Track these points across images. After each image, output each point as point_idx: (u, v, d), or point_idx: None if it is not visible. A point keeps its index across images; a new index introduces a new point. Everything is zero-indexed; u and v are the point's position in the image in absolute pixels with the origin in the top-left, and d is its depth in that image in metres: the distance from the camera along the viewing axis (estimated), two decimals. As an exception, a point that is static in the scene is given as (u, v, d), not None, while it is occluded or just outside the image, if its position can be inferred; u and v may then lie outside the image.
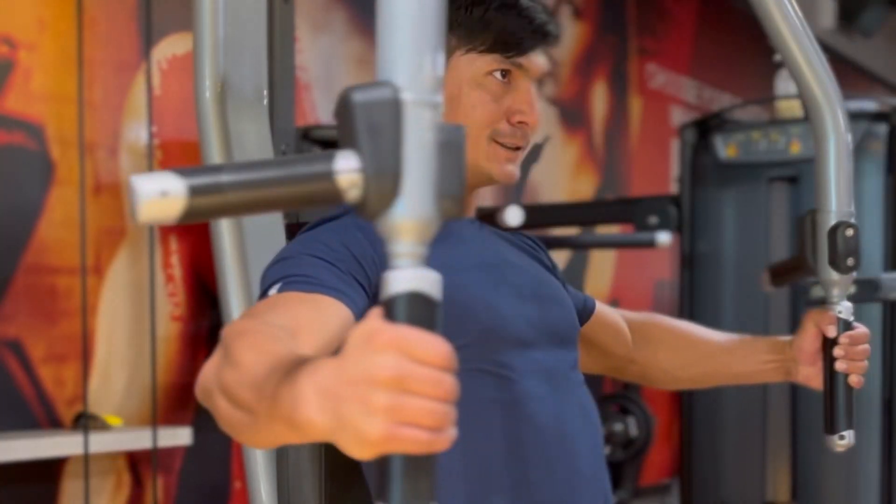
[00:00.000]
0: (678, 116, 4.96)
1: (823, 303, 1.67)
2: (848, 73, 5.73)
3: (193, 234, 2.79)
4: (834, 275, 1.65)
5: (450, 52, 1.45)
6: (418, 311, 0.85)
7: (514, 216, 2.93)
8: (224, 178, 0.85)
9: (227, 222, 1.77)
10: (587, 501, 1.45)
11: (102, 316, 2.59)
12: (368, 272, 1.36)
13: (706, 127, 3.53)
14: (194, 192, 0.84)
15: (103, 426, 2.48)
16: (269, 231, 1.82)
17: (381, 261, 1.36)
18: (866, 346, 1.63)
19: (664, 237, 3.28)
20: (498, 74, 1.45)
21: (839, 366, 1.61)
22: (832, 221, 1.65)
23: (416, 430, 0.82)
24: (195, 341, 2.81)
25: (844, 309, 1.64)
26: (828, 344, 1.63)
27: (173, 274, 2.76)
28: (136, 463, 2.65)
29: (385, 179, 0.85)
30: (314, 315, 1.25)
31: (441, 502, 1.38)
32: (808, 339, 1.65)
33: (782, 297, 3.31)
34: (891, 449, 3.22)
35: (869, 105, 3.37)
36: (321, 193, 0.87)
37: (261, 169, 0.88)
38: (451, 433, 0.83)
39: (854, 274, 1.66)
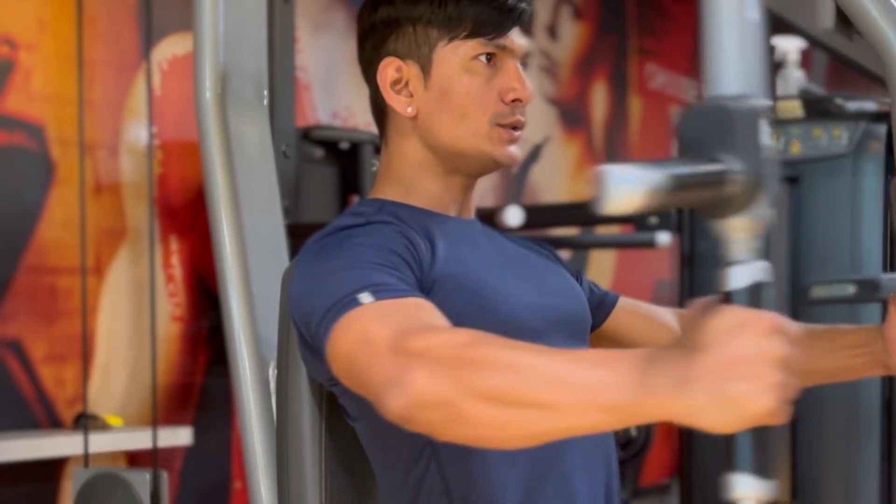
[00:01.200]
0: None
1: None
2: (848, 73, 5.73)
3: (193, 234, 2.79)
4: None
5: (432, 47, 1.47)
6: (765, 297, 1.00)
7: (514, 216, 2.93)
8: (675, 177, 0.97)
9: (227, 222, 1.77)
10: (586, 493, 1.45)
11: (102, 316, 2.59)
12: (414, 269, 1.37)
13: (706, 127, 3.53)
14: (651, 190, 0.95)
15: (103, 426, 2.48)
16: (269, 231, 1.82)
17: (419, 257, 1.38)
18: None
19: (664, 237, 3.28)
20: (483, 58, 1.47)
21: None
22: None
23: (784, 405, 0.95)
24: (195, 341, 2.81)
25: None
26: None
27: (173, 274, 2.76)
28: (137, 463, 2.65)
29: (754, 182, 0.98)
30: (441, 317, 1.26)
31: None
32: None
33: (782, 297, 3.31)
34: (891, 449, 3.22)
35: (869, 105, 3.37)
36: (716, 194, 0.99)
37: (684, 169, 0.99)
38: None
39: None
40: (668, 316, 1.69)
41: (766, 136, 0.98)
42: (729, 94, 0.99)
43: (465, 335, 1.16)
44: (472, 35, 1.46)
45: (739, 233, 1.00)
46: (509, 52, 1.48)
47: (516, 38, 1.49)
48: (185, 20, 1.90)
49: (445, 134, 1.48)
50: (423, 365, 1.12)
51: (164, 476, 2.04)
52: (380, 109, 1.54)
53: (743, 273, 0.99)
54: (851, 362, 1.57)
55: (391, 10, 1.50)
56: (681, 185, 0.96)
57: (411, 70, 1.49)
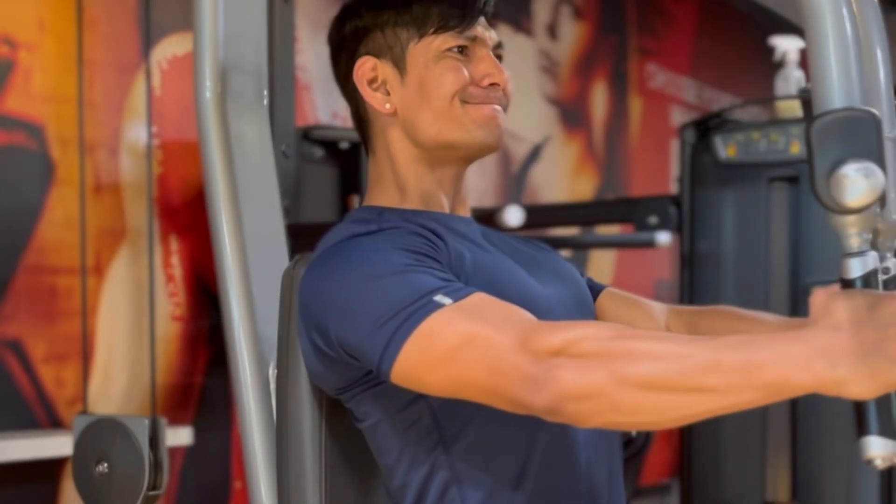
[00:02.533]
0: (678, 116, 4.96)
1: None
2: (848, 73, 5.72)
3: (193, 234, 2.79)
4: None
5: (404, 46, 1.49)
6: (878, 282, 1.18)
7: (514, 216, 2.93)
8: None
9: (227, 222, 1.77)
10: (587, 488, 1.45)
11: (102, 316, 2.59)
12: (445, 268, 1.38)
13: (706, 127, 3.53)
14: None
15: (103, 426, 2.48)
16: (269, 231, 1.82)
17: (443, 258, 1.40)
18: None
19: (664, 237, 3.28)
20: (455, 51, 1.49)
21: None
22: None
23: None
24: (195, 341, 2.81)
25: None
26: None
27: (173, 274, 2.76)
28: (137, 463, 2.65)
29: (886, 185, 1.15)
30: (515, 306, 1.30)
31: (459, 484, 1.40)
32: None
33: (782, 296, 3.31)
34: (891, 449, 3.21)
35: (869, 105, 3.37)
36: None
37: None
38: None
39: None
40: (651, 307, 1.71)
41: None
42: (850, 105, 1.18)
43: (602, 328, 1.24)
44: (440, 30, 1.49)
45: (856, 227, 1.17)
46: (480, 42, 1.50)
47: (484, 29, 1.51)
48: (185, 20, 1.90)
49: (428, 126, 1.48)
50: (568, 360, 1.19)
51: (163, 422, 2.05)
52: (361, 118, 1.55)
53: (860, 262, 1.17)
54: None
55: (357, 20, 1.52)
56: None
57: (386, 68, 1.50)
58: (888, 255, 1.26)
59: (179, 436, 2.61)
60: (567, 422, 1.22)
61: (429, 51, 1.49)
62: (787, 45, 3.44)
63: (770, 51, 3.50)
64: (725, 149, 3.47)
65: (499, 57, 1.53)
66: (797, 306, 3.27)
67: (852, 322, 1.10)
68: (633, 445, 3.76)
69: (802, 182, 3.31)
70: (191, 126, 1.89)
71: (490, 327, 1.25)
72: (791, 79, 3.45)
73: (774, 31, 3.63)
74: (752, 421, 3.37)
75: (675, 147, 4.41)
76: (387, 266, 1.33)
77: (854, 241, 1.20)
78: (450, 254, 1.42)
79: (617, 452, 1.52)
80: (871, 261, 1.18)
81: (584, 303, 1.59)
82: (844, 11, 1.23)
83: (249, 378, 1.70)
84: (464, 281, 1.38)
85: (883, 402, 1.15)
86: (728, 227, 3.47)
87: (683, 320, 1.68)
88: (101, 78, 2.61)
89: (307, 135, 2.88)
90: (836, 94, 1.22)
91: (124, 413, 2.61)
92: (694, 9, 5.16)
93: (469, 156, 1.52)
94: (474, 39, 1.50)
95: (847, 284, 1.18)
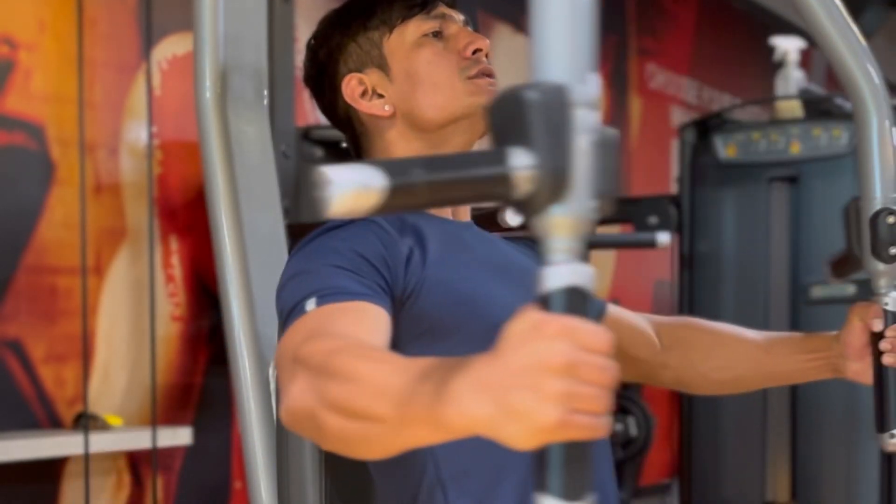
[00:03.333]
0: (678, 116, 4.96)
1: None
2: (848, 73, 5.73)
3: (193, 234, 2.79)
4: (879, 265, 1.57)
5: (379, 46, 1.51)
6: (577, 303, 0.88)
7: (514, 216, 2.93)
8: (416, 176, 0.88)
9: (227, 222, 1.77)
10: None
11: (102, 316, 2.59)
12: (384, 273, 1.37)
13: (706, 127, 3.53)
14: (392, 189, 0.86)
15: (103, 426, 2.48)
16: (269, 231, 1.82)
17: (393, 261, 1.38)
18: None
19: (664, 237, 3.28)
20: (430, 36, 1.50)
21: (887, 360, 1.55)
22: (874, 208, 1.58)
23: (585, 417, 0.84)
24: (195, 341, 2.81)
25: (891, 301, 1.54)
26: (875, 338, 1.55)
27: (173, 274, 2.76)
28: (137, 463, 2.65)
29: (557, 178, 0.88)
30: (370, 323, 1.26)
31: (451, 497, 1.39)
32: (855, 334, 1.58)
33: (782, 296, 3.31)
34: (891, 449, 3.22)
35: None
36: (496, 190, 0.89)
37: (444, 167, 0.91)
38: (609, 421, 0.86)
39: None
40: (644, 323, 1.72)
41: (582, 127, 0.88)
42: (549, 80, 0.88)
43: (336, 342, 1.13)
44: (406, 18, 1.51)
45: (557, 231, 0.89)
46: (449, 19, 1.52)
47: (448, 9, 1.53)
48: (185, 20, 1.90)
49: (428, 109, 1.49)
50: (299, 374, 1.12)
51: None
52: (357, 134, 1.56)
53: (561, 275, 0.88)
54: (805, 366, 1.65)
55: (328, 44, 1.54)
56: (411, 186, 0.88)
57: (372, 76, 1.52)
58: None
59: (179, 436, 2.61)
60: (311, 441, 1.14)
61: (404, 41, 1.51)
62: (787, 45, 3.44)
63: (770, 51, 3.50)
64: (725, 149, 3.47)
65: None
66: (797, 306, 3.27)
67: (502, 351, 0.88)
68: (633, 445, 3.77)
69: (802, 182, 3.31)
70: (191, 126, 1.89)
71: (299, 335, 1.22)
72: (791, 79, 3.46)
73: (774, 31, 3.64)
74: (752, 421, 3.37)
75: (675, 147, 4.41)
76: (318, 260, 1.36)
77: (558, 248, 0.89)
78: (425, 261, 1.41)
79: (608, 453, 1.52)
80: (576, 275, 0.89)
81: None
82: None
83: (249, 378, 1.70)
84: (437, 290, 1.38)
85: (570, 451, 0.87)
86: (728, 227, 3.48)
87: (664, 332, 1.72)
88: (101, 78, 2.61)
89: (307, 135, 2.88)
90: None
91: (125, 414, 2.61)
92: (694, 9, 5.16)
93: (472, 127, 1.51)
94: (443, 17, 1.52)
95: (541, 301, 0.89)
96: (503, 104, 0.89)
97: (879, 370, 1.57)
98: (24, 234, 2.45)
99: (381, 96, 1.51)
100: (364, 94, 1.52)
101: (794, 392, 3.24)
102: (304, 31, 3.09)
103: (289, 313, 1.31)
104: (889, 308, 1.56)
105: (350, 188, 0.84)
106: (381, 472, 1.44)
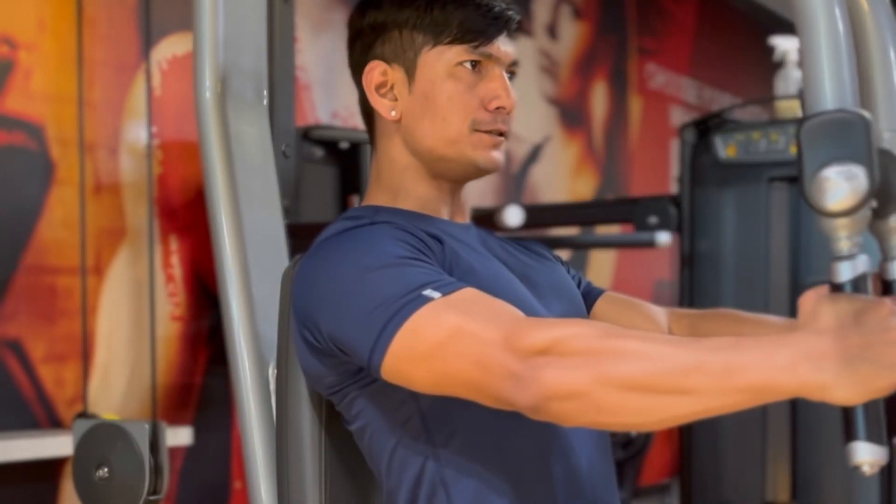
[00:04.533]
0: (678, 116, 4.96)
1: None
2: (848, 73, 5.72)
3: (193, 234, 2.79)
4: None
5: (417, 51, 1.47)
6: (868, 286, 1.18)
7: (513, 216, 2.93)
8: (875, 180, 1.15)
9: (227, 222, 1.77)
10: (577, 492, 1.45)
11: (102, 316, 2.59)
12: (434, 261, 1.38)
13: (706, 127, 3.53)
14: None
15: (103, 426, 2.48)
16: (269, 231, 1.82)
17: (429, 250, 1.39)
18: None
19: (664, 237, 3.28)
20: (468, 65, 1.46)
21: None
22: None
23: None
24: (195, 341, 2.81)
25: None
26: None
27: (173, 274, 2.76)
28: (136, 463, 2.65)
29: (874, 187, 1.14)
30: (504, 302, 1.29)
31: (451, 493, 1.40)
32: None
33: (782, 296, 3.31)
34: (891, 449, 3.21)
35: (869, 105, 3.37)
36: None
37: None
38: None
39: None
40: (652, 310, 1.70)
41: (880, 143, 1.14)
42: (842, 107, 1.16)
43: (590, 327, 1.22)
44: (456, 41, 1.46)
45: (845, 230, 1.16)
46: (495, 59, 1.48)
47: (503, 45, 1.48)
48: (185, 20, 1.90)
49: (428, 138, 1.47)
50: (553, 359, 1.18)
51: (163, 426, 2.05)
52: (367, 113, 1.54)
53: (850, 266, 1.16)
54: None
55: (378, 14, 1.50)
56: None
57: (396, 74, 1.49)
58: None
59: (179, 436, 2.60)
60: (551, 420, 1.21)
61: (440, 61, 1.47)
62: (787, 45, 3.44)
63: (770, 51, 3.50)
64: (725, 149, 3.47)
65: (512, 73, 1.51)
66: (797, 306, 3.26)
67: (837, 327, 1.11)
68: (633, 445, 3.76)
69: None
70: (191, 126, 1.89)
71: (478, 322, 1.24)
72: (791, 79, 3.45)
73: (774, 31, 3.63)
74: (752, 421, 3.37)
75: (675, 147, 4.41)
76: (377, 258, 1.32)
77: (843, 245, 1.18)
78: (445, 254, 1.42)
79: (609, 455, 1.52)
80: (860, 265, 1.18)
81: (581, 318, 1.57)
82: (837, 11, 1.22)
83: (249, 378, 1.70)
84: (446, 266, 1.38)
85: (871, 407, 1.15)
86: (728, 227, 3.48)
87: (685, 324, 1.67)
88: (101, 78, 2.61)
89: (307, 135, 2.88)
90: (828, 95, 1.21)
91: (125, 414, 2.61)
92: (694, 9, 5.16)
93: (464, 174, 1.51)
94: (489, 56, 1.47)
95: (836, 288, 1.17)
96: (828, 124, 1.15)
97: None
98: (23, 234, 2.44)
99: (395, 99, 1.49)
100: (381, 87, 1.50)
101: (794, 392, 3.23)
102: (304, 31, 3.09)
103: (396, 305, 1.27)
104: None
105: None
106: (383, 471, 1.44)
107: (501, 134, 1.49)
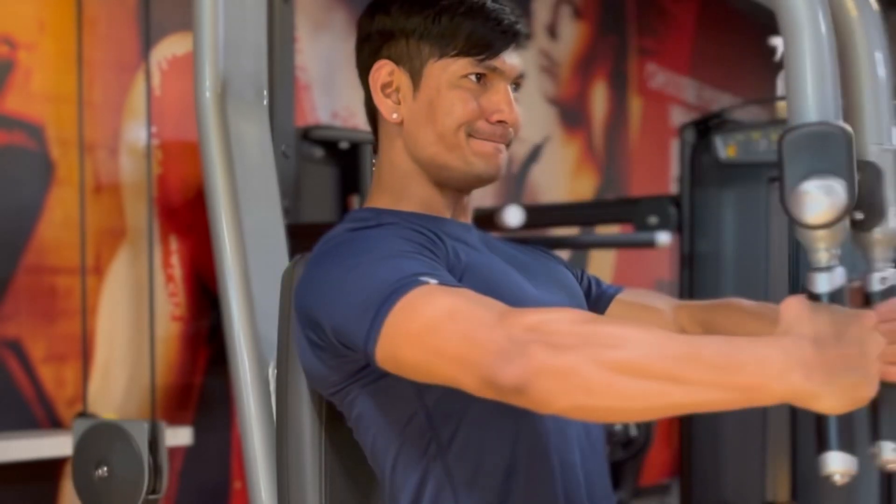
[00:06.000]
0: (678, 116, 4.96)
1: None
2: (848, 73, 5.72)
3: (193, 234, 2.79)
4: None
5: (423, 62, 1.47)
6: (845, 298, 1.21)
7: (514, 216, 2.93)
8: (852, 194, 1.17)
9: (227, 222, 1.77)
10: (575, 489, 1.45)
11: (102, 316, 2.59)
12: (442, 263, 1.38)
13: (706, 127, 3.53)
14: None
15: (103, 426, 2.48)
16: (269, 231, 1.82)
17: (437, 250, 1.40)
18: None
19: (664, 237, 3.28)
20: (473, 78, 1.46)
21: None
22: None
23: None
24: (195, 341, 2.81)
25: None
26: None
27: (173, 274, 2.76)
28: (136, 463, 2.65)
29: (853, 199, 1.16)
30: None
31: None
32: None
33: (782, 296, 3.31)
34: (891, 449, 3.21)
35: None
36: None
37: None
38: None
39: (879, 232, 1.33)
40: (661, 302, 1.70)
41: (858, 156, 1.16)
42: (824, 119, 1.17)
43: (580, 314, 1.23)
44: (462, 54, 1.46)
45: (824, 242, 1.18)
46: (500, 73, 1.47)
47: (509, 59, 1.48)
48: (185, 20, 1.90)
49: (429, 147, 1.47)
50: (543, 335, 1.17)
51: (163, 425, 2.05)
52: (373, 115, 1.54)
53: (827, 278, 1.19)
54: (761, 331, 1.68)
55: (387, 20, 1.50)
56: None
57: (403, 77, 1.49)
58: (887, 265, 1.27)
59: (179, 436, 2.60)
60: (532, 404, 1.18)
61: (445, 73, 1.46)
62: (787, 46, 3.43)
63: (770, 51, 3.50)
64: (725, 149, 3.47)
65: (517, 85, 1.50)
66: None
67: (821, 337, 1.13)
68: (633, 445, 3.76)
69: (802, 182, 3.31)
70: (191, 126, 1.89)
71: (472, 305, 1.24)
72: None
73: (774, 31, 3.63)
74: (752, 421, 3.37)
75: (675, 147, 4.41)
76: (377, 251, 1.32)
77: (822, 256, 1.20)
78: (447, 252, 1.42)
79: (603, 455, 1.52)
80: (838, 277, 1.19)
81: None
82: (822, 24, 1.21)
83: (249, 378, 1.70)
84: (458, 280, 1.38)
85: (843, 418, 1.17)
86: (728, 227, 3.47)
87: (697, 320, 1.67)
88: (100, 78, 2.61)
89: (307, 135, 2.88)
90: (811, 107, 1.22)
91: (125, 414, 2.61)
92: (694, 9, 5.16)
93: (465, 183, 1.51)
94: (494, 70, 1.47)
95: (814, 298, 1.19)
96: (809, 137, 1.17)
97: None
98: (23, 234, 2.44)
99: (399, 102, 1.49)
100: (386, 87, 1.50)
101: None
102: (304, 31, 3.09)
103: (391, 288, 1.27)
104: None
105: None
106: (387, 471, 1.44)
107: (502, 141, 1.48)
